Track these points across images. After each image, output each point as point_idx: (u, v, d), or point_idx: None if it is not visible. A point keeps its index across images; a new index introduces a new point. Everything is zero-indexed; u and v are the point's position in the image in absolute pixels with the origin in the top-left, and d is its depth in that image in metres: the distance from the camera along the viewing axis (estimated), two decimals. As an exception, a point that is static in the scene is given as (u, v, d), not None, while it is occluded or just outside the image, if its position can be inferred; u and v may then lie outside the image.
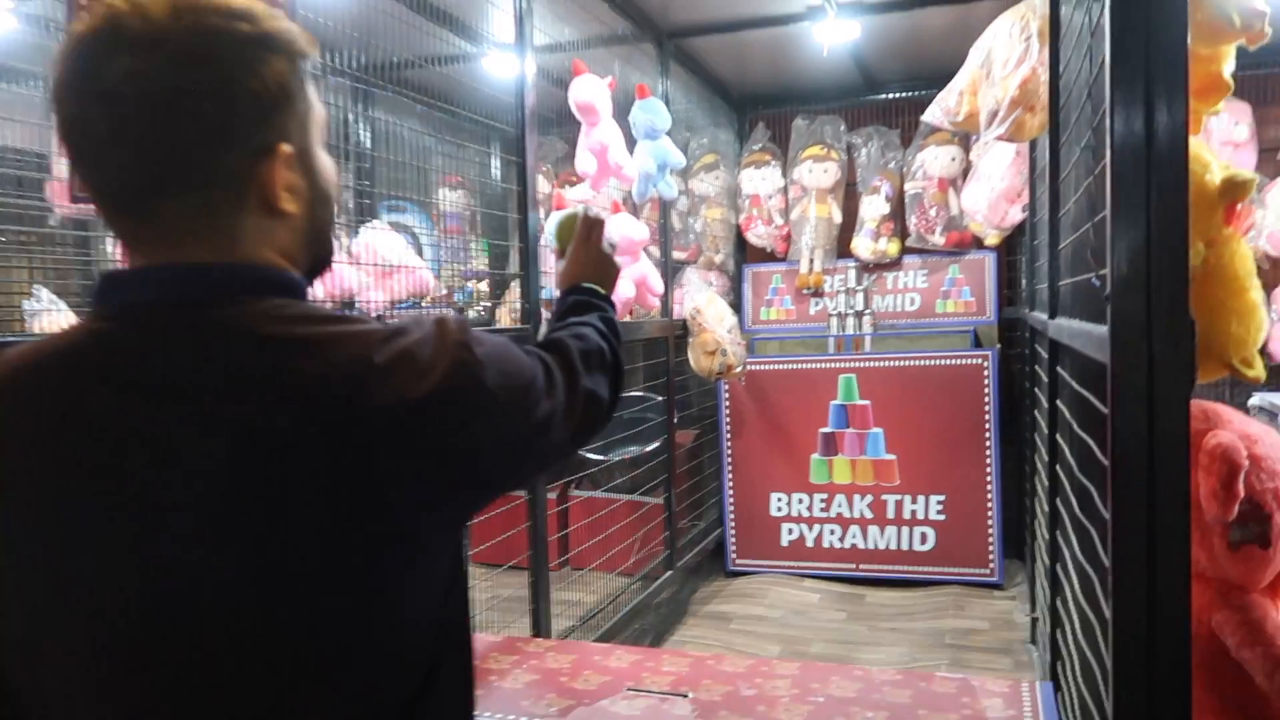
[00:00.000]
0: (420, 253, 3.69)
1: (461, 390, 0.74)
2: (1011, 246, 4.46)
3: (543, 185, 4.44)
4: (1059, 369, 2.18)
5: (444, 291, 3.93)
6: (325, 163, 0.83)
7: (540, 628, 2.91)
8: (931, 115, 2.67)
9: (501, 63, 2.92)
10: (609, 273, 1.24)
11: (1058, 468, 2.19)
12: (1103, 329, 1.25)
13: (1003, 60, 2.36)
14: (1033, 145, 3.34)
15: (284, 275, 0.78)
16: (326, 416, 0.69)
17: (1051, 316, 2.20)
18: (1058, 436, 2.20)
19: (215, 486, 0.67)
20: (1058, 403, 2.19)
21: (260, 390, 0.69)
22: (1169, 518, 1.08)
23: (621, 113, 3.14)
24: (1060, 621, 2.11)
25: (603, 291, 1.20)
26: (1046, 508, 2.28)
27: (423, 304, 3.30)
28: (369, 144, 3.35)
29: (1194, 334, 1.09)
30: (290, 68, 0.76)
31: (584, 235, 1.26)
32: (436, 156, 3.38)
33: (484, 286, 4.62)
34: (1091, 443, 1.50)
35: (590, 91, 2.72)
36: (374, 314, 3.04)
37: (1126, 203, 1.10)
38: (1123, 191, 1.10)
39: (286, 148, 0.75)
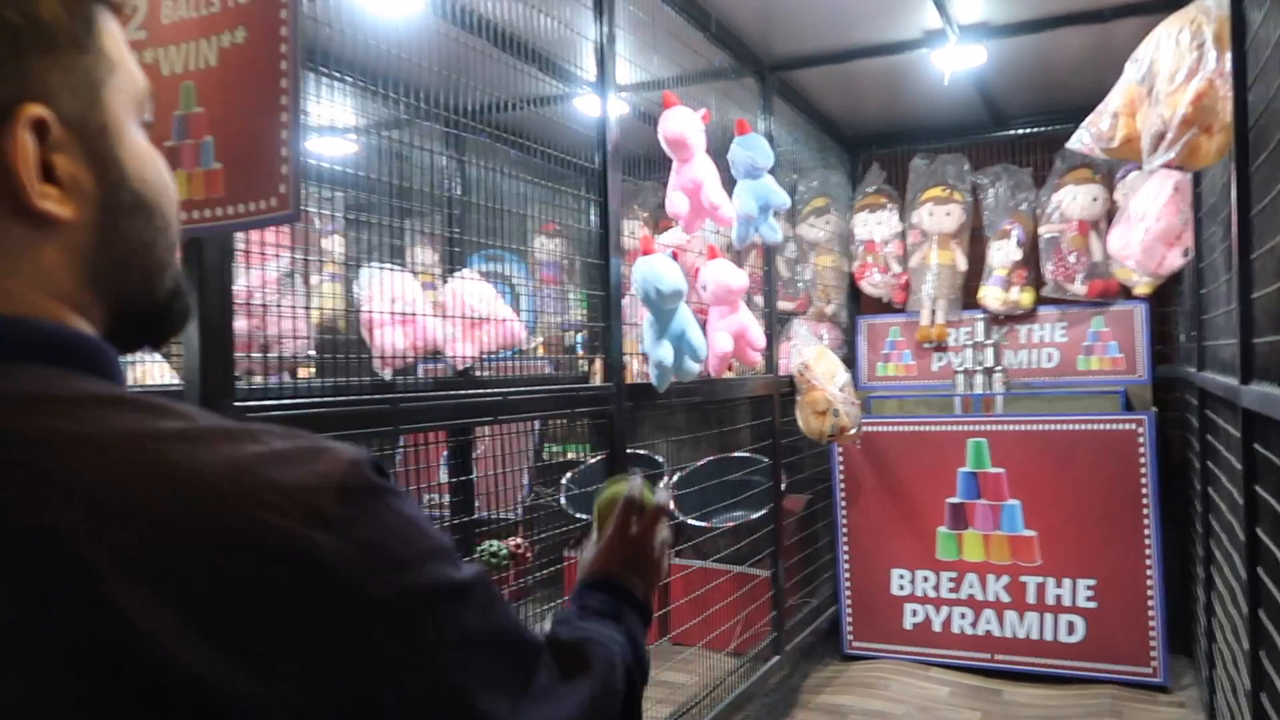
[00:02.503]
0: (517, 302, 3.49)
1: (290, 576, 0.45)
2: (1165, 296, 3.94)
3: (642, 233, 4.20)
4: (1258, 447, 1.74)
5: (538, 342, 3.71)
6: (139, 152, 0.55)
7: None
8: (1078, 142, 2.29)
9: (593, 102, 2.71)
10: (651, 577, 0.91)
11: (1260, 570, 1.75)
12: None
13: (1169, 74, 1.97)
14: (1197, 178, 2.89)
15: (44, 328, 0.49)
16: (54, 571, 0.42)
17: (1245, 381, 1.77)
18: (1258, 531, 1.75)
19: None
20: (1257, 489, 1.75)
21: None
22: None
23: (719, 154, 2.87)
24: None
25: (640, 598, 0.87)
26: (1245, 611, 1.82)
27: (513, 356, 3.08)
28: (460, 191, 3.18)
29: None
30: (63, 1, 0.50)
31: (624, 523, 0.92)
32: (533, 203, 3.19)
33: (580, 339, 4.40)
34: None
35: (681, 124, 2.45)
36: (460, 367, 2.83)
37: None
38: None
39: (37, 109, 0.48)
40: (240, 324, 2.14)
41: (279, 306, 2.12)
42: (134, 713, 0.41)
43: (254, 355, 1.95)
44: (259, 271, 2.35)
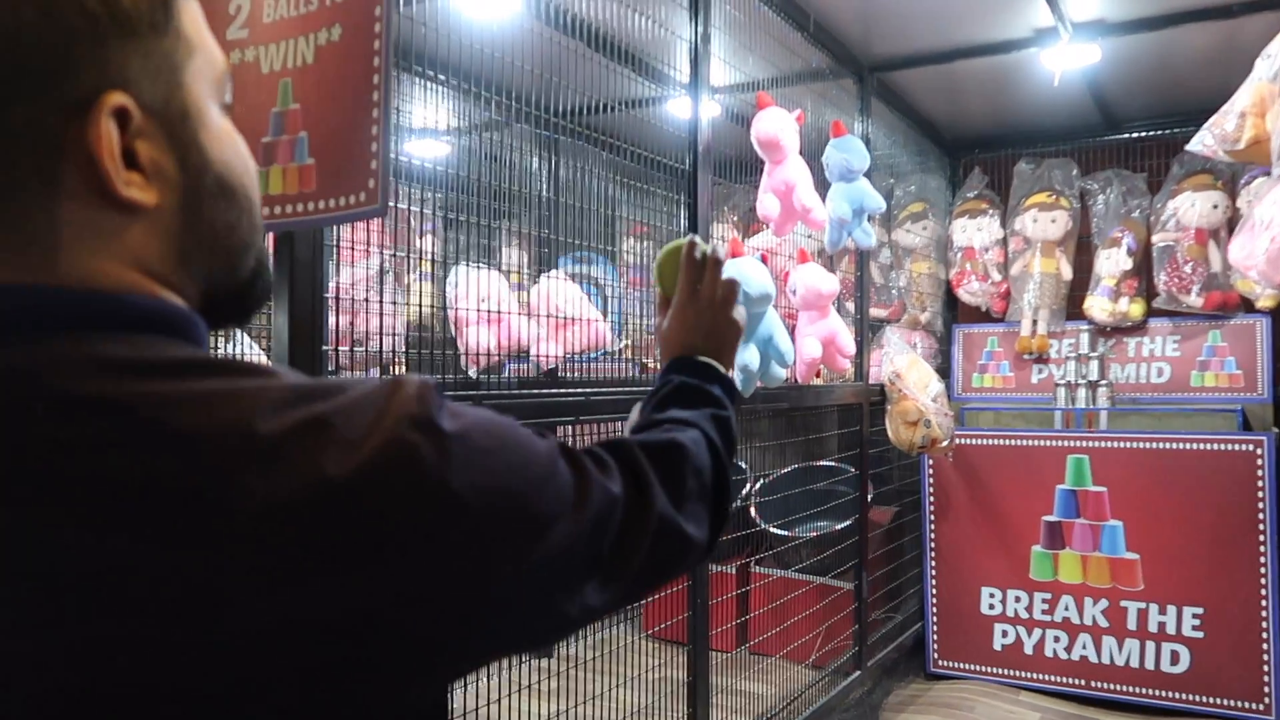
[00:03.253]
0: (606, 304, 3.50)
1: (398, 489, 0.46)
2: (1290, 310, 3.71)
3: (732, 235, 4.15)
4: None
5: (625, 344, 3.71)
6: (220, 134, 0.55)
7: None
8: (1199, 144, 2.16)
9: (685, 105, 2.68)
10: (728, 337, 0.91)
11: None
12: None
13: (1304, 71, 1.85)
14: (1330, 184, 2.69)
15: (139, 301, 0.51)
16: (163, 529, 0.42)
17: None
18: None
19: None
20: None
21: (50, 488, 0.42)
22: None
23: (815, 157, 2.81)
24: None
25: (719, 369, 0.87)
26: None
27: (599, 357, 3.08)
28: (551, 192, 3.20)
29: None
30: None
31: (691, 281, 0.92)
32: (623, 205, 3.18)
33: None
34: None
35: (774, 125, 2.41)
36: (546, 368, 2.84)
37: None
38: None
39: (119, 98, 0.48)
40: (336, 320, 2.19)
41: (379, 303, 2.16)
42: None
43: (343, 349, 1.99)
44: (355, 269, 2.40)
